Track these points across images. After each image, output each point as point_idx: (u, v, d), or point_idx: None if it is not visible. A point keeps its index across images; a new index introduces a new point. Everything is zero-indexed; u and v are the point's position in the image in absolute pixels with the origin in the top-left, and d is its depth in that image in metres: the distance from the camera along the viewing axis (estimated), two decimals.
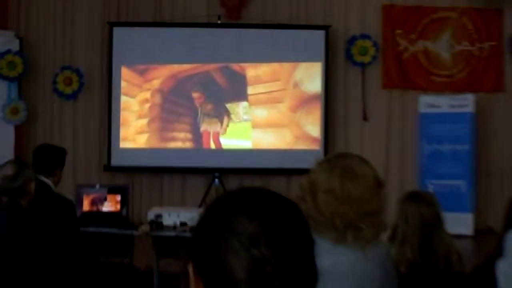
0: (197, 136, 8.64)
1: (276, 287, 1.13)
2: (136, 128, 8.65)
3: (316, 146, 8.35)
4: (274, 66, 8.60)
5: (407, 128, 8.55)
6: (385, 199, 2.78)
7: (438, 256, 3.57)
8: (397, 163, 8.55)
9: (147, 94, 8.65)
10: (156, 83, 8.64)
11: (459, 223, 7.36)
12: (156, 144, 8.69)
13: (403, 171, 8.49)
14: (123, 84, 8.60)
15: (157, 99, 8.66)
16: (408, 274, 3.51)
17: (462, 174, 8.07)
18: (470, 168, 8.08)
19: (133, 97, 8.63)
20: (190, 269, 1.20)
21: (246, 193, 1.25)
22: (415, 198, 3.69)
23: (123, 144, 8.62)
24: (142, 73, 8.65)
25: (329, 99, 8.54)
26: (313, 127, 8.48)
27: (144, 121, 8.65)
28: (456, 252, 3.69)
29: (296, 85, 8.56)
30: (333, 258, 2.63)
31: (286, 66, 8.58)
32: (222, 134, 8.60)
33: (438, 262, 3.56)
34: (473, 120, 8.18)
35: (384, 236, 3.76)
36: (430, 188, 7.79)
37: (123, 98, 8.60)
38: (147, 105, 8.66)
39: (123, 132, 8.61)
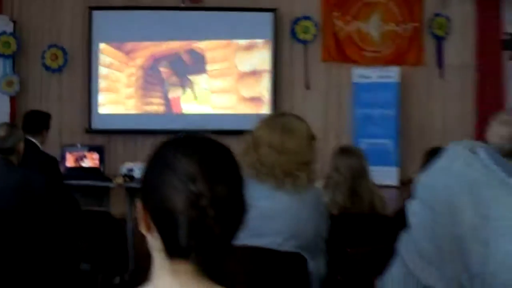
0: (166, 103, 8.66)
1: (210, 217, 1.13)
2: (113, 97, 8.67)
3: (266, 111, 8.35)
4: (229, 43, 8.58)
5: (343, 96, 8.62)
6: (320, 153, 2.82)
7: (363, 201, 3.62)
8: (335, 125, 8.63)
9: (124, 68, 8.65)
10: (131, 58, 8.63)
11: (386, 176, 7.49)
12: (130, 110, 8.68)
13: (339, 132, 8.57)
14: (102, 59, 8.60)
15: (132, 72, 8.66)
16: (339, 216, 3.56)
17: (389, 134, 8.18)
18: (395, 129, 8.20)
19: (112, 70, 8.64)
20: (139, 204, 1.20)
21: (186, 137, 1.26)
22: (345, 152, 3.73)
23: (101, 111, 8.64)
24: (120, 49, 8.64)
25: (277, 70, 8.56)
26: (264, 94, 8.50)
27: (121, 91, 8.67)
28: (380, 198, 3.74)
29: (248, 59, 8.56)
30: (273, 201, 2.65)
31: (240, 43, 8.57)
32: (187, 101, 8.57)
33: (363, 206, 3.61)
34: (397, 89, 8.27)
35: (320, 184, 3.80)
36: (362, 146, 7.88)
37: (102, 71, 8.61)
38: (124, 77, 8.66)
39: (101, 100, 8.64)
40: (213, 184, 1.14)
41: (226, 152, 1.25)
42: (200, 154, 1.19)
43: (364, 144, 7.93)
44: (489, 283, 1.64)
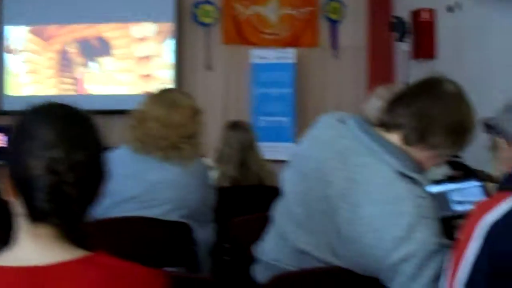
0: (74, 83, 8.46)
1: (67, 182, 1.16)
2: (24, 79, 8.40)
3: None
4: (132, 25, 8.47)
5: (242, 76, 8.66)
6: (204, 125, 2.83)
7: (252, 173, 3.67)
8: (235, 104, 8.67)
9: (34, 47, 8.38)
10: (40, 39, 8.36)
11: (283, 151, 7.56)
12: (40, 92, 8.32)
13: (239, 110, 8.61)
14: (13, 40, 8.33)
15: (41, 53, 8.39)
16: (230, 188, 3.59)
17: (286, 112, 8.30)
18: (292, 107, 8.29)
19: (25, 51, 8.37)
20: (3, 172, 1.20)
21: (46, 106, 1.26)
22: (234, 126, 3.75)
23: (12, 93, 8.35)
24: (31, 31, 8.36)
25: (180, 52, 8.50)
26: (166, 76, 8.42)
27: (32, 72, 8.41)
28: (268, 170, 3.79)
29: (151, 41, 8.48)
30: (161, 173, 2.65)
31: (143, 26, 8.47)
32: (92, 82, 8.44)
33: (252, 178, 3.65)
34: (294, 69, 8.37)
35: (212, 158, 3.82)
36: (261, 124, 7.97)
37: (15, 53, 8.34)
38: (35, 59, 8.39)
39: (12, 83, 8.37)
40: (70, 150, 1.17)
41: (85, 120, 1.27)
42: (58, 122, 1.21)
43: (262, 121, 8.02)
44: (356, 245, 1.70)
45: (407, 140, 1.79)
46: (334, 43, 8.95)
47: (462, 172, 2.75)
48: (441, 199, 2.23)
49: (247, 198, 3.38)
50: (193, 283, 1.87)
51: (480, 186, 2.34)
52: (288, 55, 8.43)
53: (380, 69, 8.66)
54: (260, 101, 8.35)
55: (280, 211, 2.00)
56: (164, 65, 8.50)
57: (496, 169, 1.79)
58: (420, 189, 1.73)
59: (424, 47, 7.68)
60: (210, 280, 1.87)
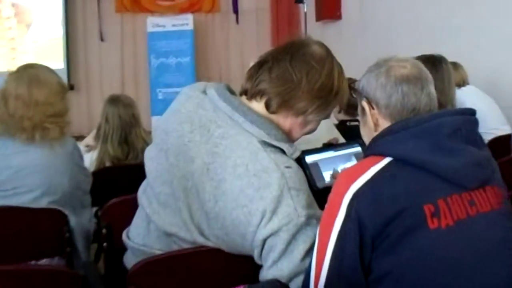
0: None
1: None
2: None
3: (60, 65, 7.97)
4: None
5: (138, 46, 8.51)
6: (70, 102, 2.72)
7: (136, 150, 3.57)
8: (132, 76, 8.52)
9: None
10: None
11: None
12: None
13: (137, 83, 8.48)
14: None
15: None
16: (111, 168, 3.49)
17: (186, 82, 8.11)
18: (192, 77, 8.20)
19: None
20: None
21: None
22: (113, 101, 3.63)
23: None
24: None
25: (69, 23, 8.20)
26: (56, 47, 8.11)
27: None
28: None
29: (41, 13, 8.11)
30: (26, 157, 2.53)
31: None
32: None
33: (136, 156, 3.55)
34: (193, 37, 8.25)
35: (90, 136, 3.70)
36: (160, 96, 7.85)
37: None
38: None
39: None
40: None
41: None
42: None
43: (161, 93, 7.89)
44: (224, 222, 1.65)
45: (269, 107, 1.74)
46: (235, 7, 8.89)
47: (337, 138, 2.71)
48: (314, 169, 2.21)
49: (129, 178, 3.26)
50: (55, 277, 1.78)
51: (358, 153, 2.33)
52: (186, 21, 8.30)
53: (284, 32, 8.68)
54: (158, 72, 8.20)
55: (144, 192, 1.93)
56: (54, 37, 8.18)
57: (364, 135, 1.77)
58: (286, 159, 1.69)
59: (328, 8, 7.72)
60: (69, 272, 1.78)
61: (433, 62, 2.92)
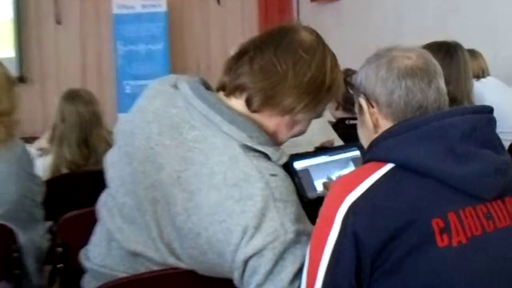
0: None
1: None
2: None
3: (9, 53, 7.93)
4: None
5: (102, 30, 8.48)
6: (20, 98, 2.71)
7: (98, 154, 3.56)
8: (95, 64, 8.49)
9: None
10: None
11: None
12: None
13: (100, 73, 8.45)
14: None
15: None
16: (68, 175, 3.48)
17: (158, 73, 8.12)
18: (165, 67, 8.18)
19: None
20: None
21: None
22: (71, 96, 3.62)
23: None
24: None
25: (20, 3, 8.17)
26: (4, 31, 8.07)
27: None
28: None
29: None
30: None
31: None
32: None
33: (99, 161, 3.54)
34: (166, 19, 8.23)
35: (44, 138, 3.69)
36: (127, 89, 7.83)
37: None
38: None
39: None
40: None
41: None
42: None
43: (129, 87, 7.88)
44: (198, 240, 1.65)
45: (251, 105, 1.74)
46: None
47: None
48: (305, 177, 2.20)
49: (90, 187, 3.25)
50: None
51: (356, 158, 2.32)
52: (159, 2, 8.27)
53: (273, 14, 8.68)
54: (126, 61, 8.17)
55: (105, 203, 1.92)
56: (4, 23, 8.16)
57: (362, 137, 1.76)
58: (271, 165, 1.69)
59: None
60: None
61: (447, 49, 2.92)
